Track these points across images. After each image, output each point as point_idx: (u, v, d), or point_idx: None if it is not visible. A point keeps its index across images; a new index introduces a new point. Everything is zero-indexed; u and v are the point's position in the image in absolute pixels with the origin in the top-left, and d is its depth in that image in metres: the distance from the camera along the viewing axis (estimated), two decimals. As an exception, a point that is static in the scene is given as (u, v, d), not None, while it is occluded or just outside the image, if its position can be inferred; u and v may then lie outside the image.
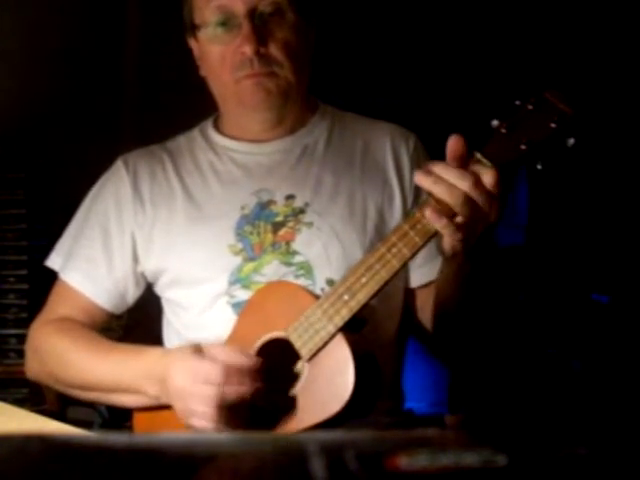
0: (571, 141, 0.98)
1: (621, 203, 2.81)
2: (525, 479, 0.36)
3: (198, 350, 1.08)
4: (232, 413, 1.05)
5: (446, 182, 0.97)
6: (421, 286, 1.29)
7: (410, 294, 1.30)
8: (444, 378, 2.85)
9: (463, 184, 0.96)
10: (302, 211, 1.24)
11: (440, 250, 1.09)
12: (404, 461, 0.34)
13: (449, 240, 1.00)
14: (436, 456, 0.35)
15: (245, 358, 1.06)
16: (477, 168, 0.99)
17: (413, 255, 1.03)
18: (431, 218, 0.98)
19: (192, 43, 1.28)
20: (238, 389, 1.04)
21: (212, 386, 1.03)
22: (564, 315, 2.73)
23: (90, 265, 1.29)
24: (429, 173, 0.98)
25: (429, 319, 1.26)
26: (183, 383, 1.06)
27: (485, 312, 1.23)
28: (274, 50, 1.19)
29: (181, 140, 1.36)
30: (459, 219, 0.98)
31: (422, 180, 0.99)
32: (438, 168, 0.98)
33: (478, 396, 2.69)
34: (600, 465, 0.37)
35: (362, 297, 1.04)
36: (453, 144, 0.99)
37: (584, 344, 2.63)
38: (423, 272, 1.27)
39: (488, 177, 0.98)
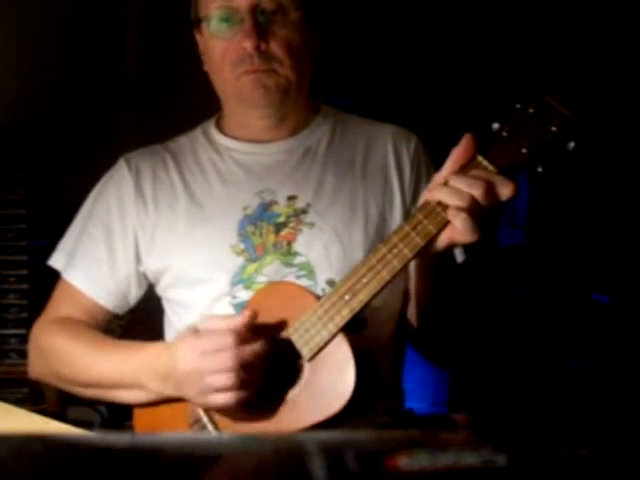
0: (571, 144, 0.99)
1: (621, 203, 2.81)
2: (525, 479, 0.36)
3: (197, 330, 1.07)
4: (250, 375, 1.04)
5: (454, 189, 0.99)
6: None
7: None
8: (445, 378, 2.85)
9: (476, 191, 0.98)
10: (304, 212, 1.24)
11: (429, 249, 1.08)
12: (404, 461, 0.34)
13: (456, 230, 1.00)
14: (436, 456, 0.35)
15: (245, 316, 1.05)
16: (480, 172, 1.00)
17: (414, 256, 1.03)
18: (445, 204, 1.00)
19: (197, 37, 1.29)
20: (250, 347, 1.03)
21: (225, 352, 1.02)
22: (564, 315, 2.73)
23: (92, 264, 1.29)
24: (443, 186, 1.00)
25: (414, 316, 1.27)
26: (193, 361, 1.05)
27: (481, 311, 1.24)
28: (275, 47, 1.19)
29: (183, 140, 1.37)
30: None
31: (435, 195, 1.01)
32: (453, 180, 1.00)
33: (479, 396, 2.69)
34: (600, 465, 0.37)
35: (363, 297, 1.04)
36: (467, 145, 1.00)
37: (584, 344, 2.63)
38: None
39: (506, 190, 0.99)
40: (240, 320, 1.04)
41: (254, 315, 1.06)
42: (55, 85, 2.61)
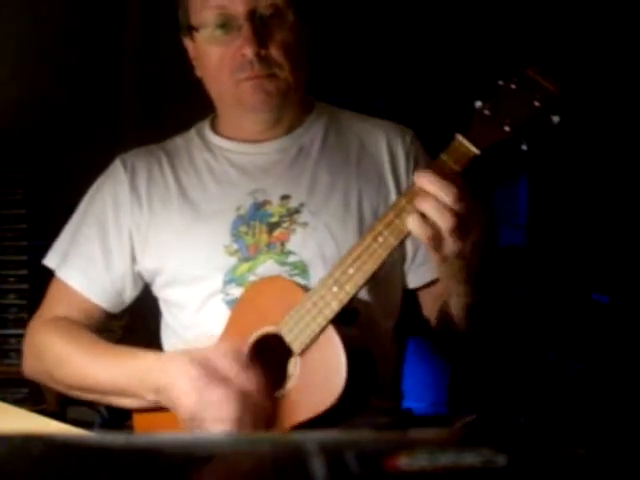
0: (556, 119, 0.96)
1: (621, 203, 2.81)
2: (525, 479, 0.36)
3: (197, 361, 1.06)
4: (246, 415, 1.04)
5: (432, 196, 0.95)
6: (424, 286, 1.28)
7: (416, 295, 1.30)
8: (444, 378, 2.84)
9: (445, 198, 0.93)
10: (297, 211, 1.24)
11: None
12: (404, 461, 0.34)
13: (439, 253, 0.98)
14: (436, 456, 0.35)
15: (241, 364, 1.04)
16: (453, 162, 0.98)
17: (400, 243, 1.01)
18: (413, 229, 0.96)
19: (188, 43, 1.28)
20: (254, 405, 1.04)
21: (229, 403, 1.02)
22: (564, 315, 2.72)
23: (87, 263, 1.29)
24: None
25: (435, 325, 1.26)
26: (194, 407, 1.04)
27: (490, 315, 1.23)
28: (274, 52, 1.18)
29: (178, 140, 1.37)
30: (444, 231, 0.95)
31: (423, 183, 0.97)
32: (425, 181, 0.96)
33: (479, 396, 2.69)
34: (600, 465, 0.37)
35: (350, 288, 1.03)
36: None
37: (584, 344, 2.63)
38: (424, 271, 1.26)
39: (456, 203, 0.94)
40: (249, 378, 1.04)
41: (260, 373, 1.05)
42: (55, 85, 2.60)
